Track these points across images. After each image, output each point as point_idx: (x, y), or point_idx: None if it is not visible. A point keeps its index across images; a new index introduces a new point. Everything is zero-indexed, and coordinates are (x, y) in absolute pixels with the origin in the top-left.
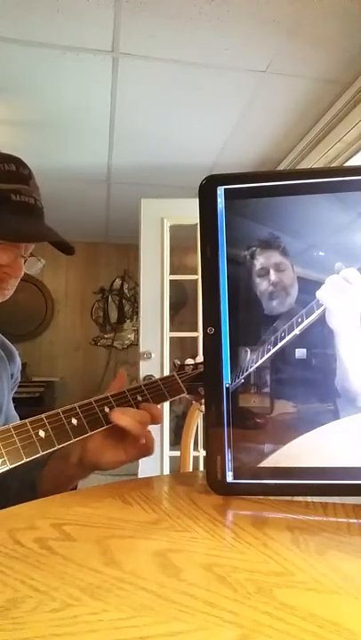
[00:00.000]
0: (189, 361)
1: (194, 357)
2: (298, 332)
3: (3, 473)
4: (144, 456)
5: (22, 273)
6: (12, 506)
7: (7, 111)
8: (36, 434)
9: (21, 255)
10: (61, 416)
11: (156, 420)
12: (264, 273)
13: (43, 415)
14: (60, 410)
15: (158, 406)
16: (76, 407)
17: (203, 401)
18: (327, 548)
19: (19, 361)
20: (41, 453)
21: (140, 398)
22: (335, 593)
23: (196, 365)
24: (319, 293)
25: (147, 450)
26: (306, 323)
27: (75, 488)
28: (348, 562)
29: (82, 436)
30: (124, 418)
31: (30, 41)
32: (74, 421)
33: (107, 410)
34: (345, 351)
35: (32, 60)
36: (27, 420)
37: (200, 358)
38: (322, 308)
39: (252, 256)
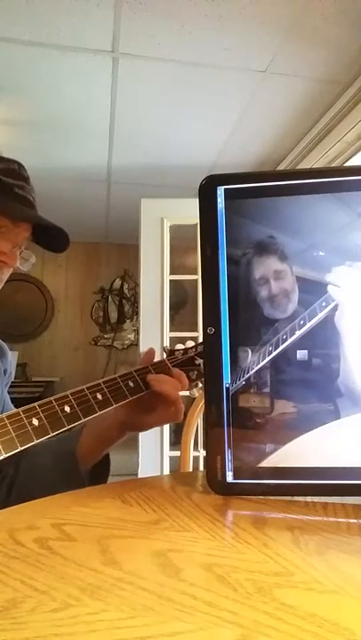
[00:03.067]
0: (179, 346)
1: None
2: (300, 334)
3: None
4: (173, 421)
5: (17, 263)
6: (49, 481)
7: (7, 111)
8: (30, 422)
9: (18, 246)
10: (54, 404)
11: (185, 386)
12: (263, 282)
13: (35, 404)
14: (52, 398)
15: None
16: (69, 395)
17: (198, 385)
18: (327, 548)
19: (10, 356)
20: (35, 441)
21: (131, 384)
22: (335, 593)
23: (185, 350)
24: (330, 288)
25: (176, 415)
26: (308, 326)
27: (108, 460)
28: (348, 562)
29: (76, 422)
30: (162, 385)
31: (30, 41)
32: (66, 409)
33: (99, 397)
34: (350, 351)
35: (32, 60)
36: (20, 409)
37: (190, 343)
38: (330, 307)
39: (249, 263)
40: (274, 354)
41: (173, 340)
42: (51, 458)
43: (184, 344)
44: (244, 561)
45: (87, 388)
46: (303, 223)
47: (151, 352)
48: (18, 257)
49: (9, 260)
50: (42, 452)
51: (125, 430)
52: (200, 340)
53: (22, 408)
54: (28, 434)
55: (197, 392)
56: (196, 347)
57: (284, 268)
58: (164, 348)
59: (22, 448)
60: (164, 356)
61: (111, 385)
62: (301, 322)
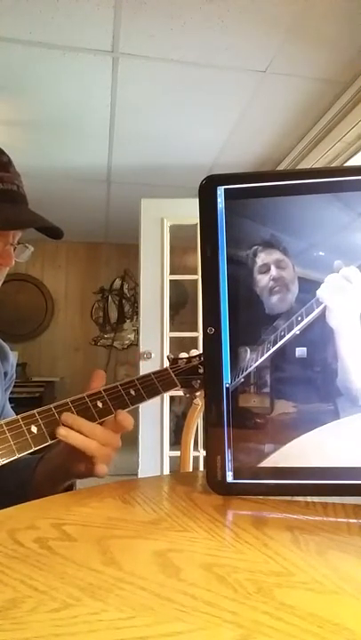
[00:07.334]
0: (183, 355)
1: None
2: (298, 332)
3: None
4: (91, 476)
5: (13, 262)
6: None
7: (7, 111)
8: (29, 430)
9: (10, 243)
10: (53, 411)
11: (124, 427)
12: (265, 269)
13: (35, 411)
14: (52, 405)
15: (125, 412)
16: (69, 402)
17: (197, 394)
18: (327, 548)
19: (12, 359)
20: (33, 449)
21: (133, 392)
22: (335, 593)
23: (189, 359)
24: (319, 292)
25: (92, 471)
26: (305, 322)
27: (70, 488)
28: (348, 562)
29: None
30: (73, 436)
31: (30, 41)
32: None
33: (99, 405)
34: (346, 350)
35: (32, 60)
36: (19, 416)
37: (194, 352)
38: (321, 307)
39: (255, 254)
40: (272, 351)
41: (173, 340)
42: (13, 481)
43: (188, 353)
44: (244, 561)
45: (87, 396)
46: (303, 223)
47: (100, 375)
48: (13, 255)
49: (3, 261)
50: (9, 472)
51: (67, 475)
52: (200, 339)
53: (21, 415)
54: (27, 442)
55: (200, 400)
56: (199, 356)
57: (286, 260)
58: (167, 357)
59: (20, 455)
60: (167, 364)
61: (112, 393)
62: (299, 318)
